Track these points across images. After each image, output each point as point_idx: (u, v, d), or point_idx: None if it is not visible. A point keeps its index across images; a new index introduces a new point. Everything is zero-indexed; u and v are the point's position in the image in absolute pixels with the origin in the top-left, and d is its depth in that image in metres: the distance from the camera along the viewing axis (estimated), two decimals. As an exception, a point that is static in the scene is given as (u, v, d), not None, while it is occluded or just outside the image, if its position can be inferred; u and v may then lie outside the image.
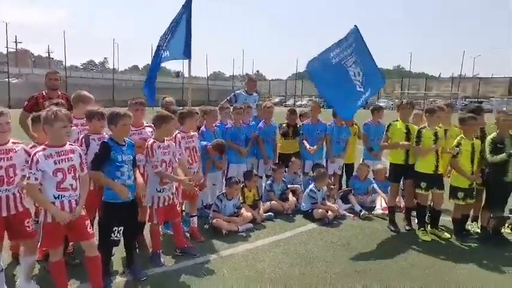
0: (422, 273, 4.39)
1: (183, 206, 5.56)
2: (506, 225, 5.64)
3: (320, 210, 6.09)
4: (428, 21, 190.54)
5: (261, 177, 7.01)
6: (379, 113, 7.22)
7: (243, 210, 5.81)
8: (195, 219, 5.34)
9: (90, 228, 3.57)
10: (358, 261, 4.66)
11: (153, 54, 7.21)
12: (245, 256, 4.74)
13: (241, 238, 5.32)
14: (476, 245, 5.28)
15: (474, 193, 5.43)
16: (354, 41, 6.05)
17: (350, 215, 6.40)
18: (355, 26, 6.13)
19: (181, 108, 5.64)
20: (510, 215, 5.68)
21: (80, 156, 3.50)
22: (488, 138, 5.32)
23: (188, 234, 5.22)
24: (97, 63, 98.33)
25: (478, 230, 5.60)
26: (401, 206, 6.34)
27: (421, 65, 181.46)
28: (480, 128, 5.67)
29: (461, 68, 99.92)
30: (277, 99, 62.01)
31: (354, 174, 7.25)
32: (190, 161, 5.09)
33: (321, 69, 5.76)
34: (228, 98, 7.82)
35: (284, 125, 7.35)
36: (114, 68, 51.99)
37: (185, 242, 4.81)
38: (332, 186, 6.98)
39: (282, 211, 6.35)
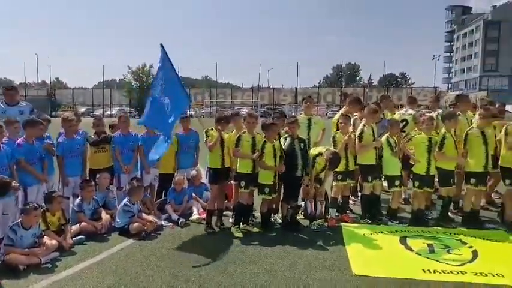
0: (241, 267, 4.74)
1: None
2: (300, 212, 6.66)
3: (136, 224, 5.85)
4: (231, 33, 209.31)
5: (68, 198, 6.29)
6: (187, 122, 7.39)
7: (45, 239, 5.04)
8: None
9: None
10: (180, 270, 4.67)
11: None
12: (51, 290, 4.15)
13: (46, 270, 4.64)
14: (280, 232, 6.04)
15: (277, 188, 6.22)
16: (162, 65, 6.11)
17: (169, 224, 6.38)
18: (160, 44, 6.15)
19: None
20: (301, 203, 6.72)
21: None
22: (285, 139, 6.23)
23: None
24: None
25: (280, 220, 6.43)
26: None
27: (226, 75, 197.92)
28: None
29: (258, 79, 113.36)
30: (83, 109, 56.88)
31: (172, 186, 7.21)
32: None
33: (153, 111, 5.97)
34: None
35: (92, 135, 6.81)
36: None
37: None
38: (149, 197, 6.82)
39: (95, 232, 5.83)
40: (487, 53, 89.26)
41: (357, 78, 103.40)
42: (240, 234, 5.88)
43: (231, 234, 5.92)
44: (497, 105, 8.16)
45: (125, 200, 6.10)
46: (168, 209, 6.75)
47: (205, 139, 6.12)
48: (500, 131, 6.61)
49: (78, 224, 5.82)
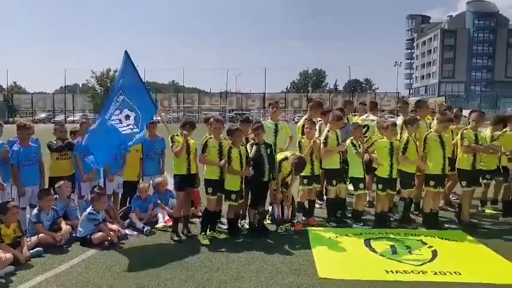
0: (208, 275, 4.68)
1: None
2: (267, 217, 6.67)
3: (99, 233, 5.66)
4: (198, 37, 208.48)
5: (24, 209, 6.00)
6: (152, 128, 7.30)
7: (-1, 252, 4.78)
8: None
9: None
10: (145, 280, 4.55)
11: None
12: (6, 307, 3.93)
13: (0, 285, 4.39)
14: (247, 238, 6.01)
15: (243, 194, 6.19)
16: (125, 73, 5.98)
17: (134, 233, 6.21)
18: (125, 51, 6.02)
19: None
20: (269, 208, 6.74)
21: None
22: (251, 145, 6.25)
23: None
24: None
25: (247, 226, 6.41)
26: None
27: (194, 80, 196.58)
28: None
29: (226, 84, 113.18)
30: (43, 115, 54.69)
31: (136, 194, 7.03)
32: None
33: (99, 136, 5.67)
34: None
35: (54, 141, 6.57)
36: None
37: None
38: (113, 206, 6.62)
39: (55, 243, 5.57)
40: (444, 60, 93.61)
41: (323, 83, 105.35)
42: (206, 242, 5.80)
43: (198, 241, 5.83)
44: (454, 110, 8.56)
45: (90, 209, 5.88)
46: (133, 217, 6.58)
47: (171, 145, 6.03)
48: (457, 134, 6.93)
49: (36, 236, 5.56)
